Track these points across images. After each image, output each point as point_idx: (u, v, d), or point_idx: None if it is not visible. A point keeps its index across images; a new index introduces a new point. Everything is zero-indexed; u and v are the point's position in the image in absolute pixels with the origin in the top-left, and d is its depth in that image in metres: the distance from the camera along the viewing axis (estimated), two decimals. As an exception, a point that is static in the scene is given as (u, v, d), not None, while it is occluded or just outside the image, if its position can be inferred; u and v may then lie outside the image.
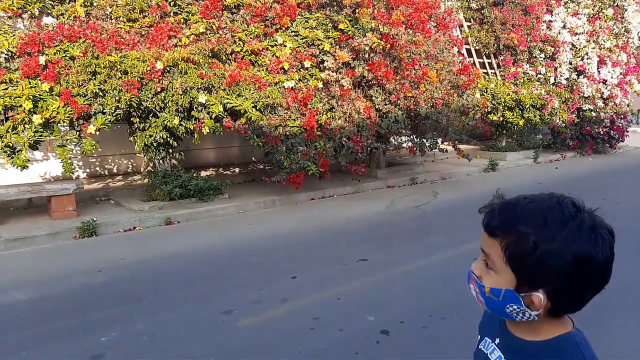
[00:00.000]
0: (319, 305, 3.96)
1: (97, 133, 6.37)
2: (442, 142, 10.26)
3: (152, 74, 6.50)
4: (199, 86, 6.68)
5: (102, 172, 9.67)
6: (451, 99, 9.57)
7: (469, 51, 13.42)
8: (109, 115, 6.40)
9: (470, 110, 10.29)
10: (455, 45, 11.06)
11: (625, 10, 14.79)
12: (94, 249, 5.88)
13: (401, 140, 10.07)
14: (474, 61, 13.37)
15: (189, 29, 7.38)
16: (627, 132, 15.70)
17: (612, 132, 14.95)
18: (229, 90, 6.87)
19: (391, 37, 8.34)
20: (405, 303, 3.99)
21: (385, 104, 8.64)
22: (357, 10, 8.28)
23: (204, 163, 10.28)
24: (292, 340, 3.39)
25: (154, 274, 4.87)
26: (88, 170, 9.47)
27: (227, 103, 6.80)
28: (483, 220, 1.04)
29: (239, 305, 3.95)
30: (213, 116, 6.74)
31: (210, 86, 6.80)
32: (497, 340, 1.12)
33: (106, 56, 6.42)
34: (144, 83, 6.51)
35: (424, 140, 9.70)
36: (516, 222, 0.96)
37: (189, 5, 7.59)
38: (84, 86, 6.31)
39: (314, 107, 7.88)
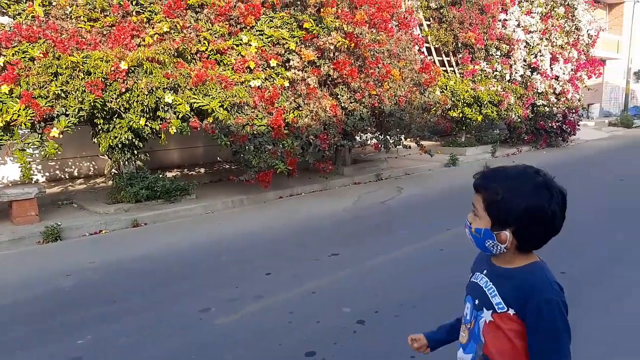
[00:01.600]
0: (294, 300, 4.04)
1: (61, 136, 6.23)
2: (406, 139, 10.51)
3: (116, 74, 6.41)
4: (165, 86, 6.63)
5: (63, 176, 9.42)
6: (414, 96, 9.82)
7: (429, 49, 13.76)
8: (72, 117, 6.28)
9: (431, 107, 10.58)
10: (417, 44, 11.34)
11: (576, 9, 15.49)
12: (60, 253, 5.76)
13: (366, 137, 10.25)
14: (433, 59, 13.72)
15: (153, 28, 7.30)
16: (579, 125, 16.47)
17: (564, 126, 15.64)
18: (196, 90, 6.85)
19: (355, 36, 8.49)
20: (378, 294, 4.13)
21: (351, 102, 8.79)
22: (321, 10, 8.38)
23: (168, 164, 10.18)
24: (271, 335, 3.46)
25: (126, 276, 4.83)
26: (47, 173, 9.21)
27: (194, 103, 6.79)
28: (473, 181, 1.43)
29: (215, 304, 3.99)
30: (180, 116, 6.71)
31: (176, 86, 6.77)
32: (485, 271, 1.48)
33: (68, 56, 6.29)
34: (108, 83, 6.42)
35: (388, 137, 9.92)
36: (492, 181, 1.37)
37: (152, 5, 7.50)
38: (46, 88, 6.17)
39: (281, 106, 7.94)
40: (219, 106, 6.95)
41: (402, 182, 9.93)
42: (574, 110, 15.83)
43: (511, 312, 1.35)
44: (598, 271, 4.66)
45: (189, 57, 7.42)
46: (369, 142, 10.11)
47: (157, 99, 6.59)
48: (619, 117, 25.80)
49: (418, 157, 11.94)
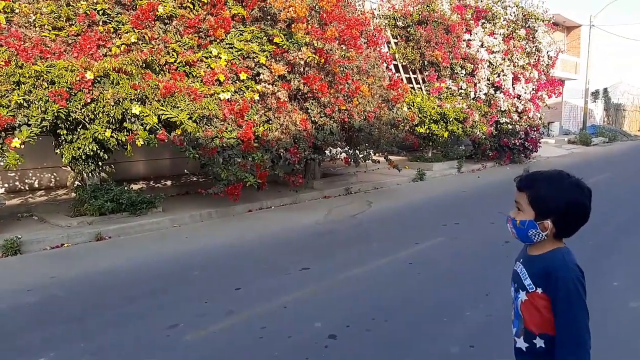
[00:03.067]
0: (265, 315, 3.98)
1: (22, 146, 6.02)
2: (375, 154, 10.63)
3: (81, 84, 6.26)
4: (132, 97, 6.51)
5: (22, 187, 9.09)
6: (382, 112, 9.97)
7: (396, 67, 14.03)
8: (35, 127, 6.08)
9: (400, 123, 10.75)
10: (385, 61, 11.54)
11: (536, 31, 16.13)
12: (20, 268, 5.53)
13: (336, 151, 10.32)
14: (401, 76, 14.00)
15: (120, 38, 7.18)
16: (540, 143, 17.05)
17: (526, 143, 16.14)
18: (164, 102, 6.76)
19: (325, 52, 8.57)
20: (349, 308, 4.11)
21: (321, 117, 8.85)
22: (291, 25, 8.43)
23: (134, 175, 9.96)
24: (242, 350, 3.40)
25: (90, 291, 4.66)
26: (6, 185, 8.87)
27: (162, 114, 6.68)
28: (516, 183, 1.75)
29: (184, 320, 3.89)
30: (147, 128, 6.58)
31: (144, 97, 6.65)
32: (521, 260, 1.79)
33: (31, 65, 6.12)
34: (73, 93, 6.25)
35: (358, 152, 10.01)
36: (535, 181, 1.70)
37: (119, 15, 7.39)
38: (7, 97, 5.96)
39: (250, 119, 7.91)
40: (188, 118, 6.87)
41: (372, 196, 10.01)
42: (535, 128, 16.36)
43: (539, 290, 1.66)
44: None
45: (157, 69, 7.32)
46: (338, 156, 10.17)
47: (124, 110, 6.46)
48: (577, 135, 26.83)
49: (387, 172, 12.08)
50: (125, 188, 7.41)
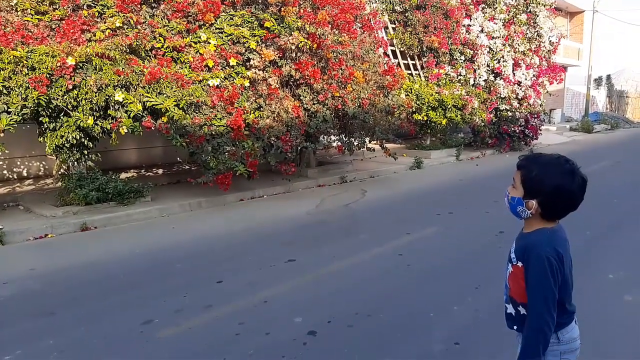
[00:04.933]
0: (245, 310, 3.84)
1: (2, 134, 5.85)
2: (370, 142, 10.43)
3: (62, 70, 6.06)
4: (116, 83, 6.31)
5: (10, 176, 8.94)
6: (377, 99, 9.74)
7: (394, 52, 13.75)
8: (15, 115, 5.90)
9: (395, 110, 10.53)
10: (381, 47, 11.28)
11: (537, 16, 15.78)
12: (1, 259, 5.38)
13: (330, 139, 10.12)
14: (398, 62, 13.73)
15: (104, 23, 6.97)
16: (540, 130, 16.79)
17: (526, 130, 15.90)
18: (149, 88, 6.56)
19: (317, 36, 8.34)
20: (332, 303, 3.96)
21: (314, 104, 8.64)
22: (282, 9, 8.20)
23: (124, 164, 9.79)
24: (216, 348, 3.25)
25: (68, 284, 4.52)
26: (-6, 174, 8.72)
27: (147, 101, 6.49)
28: (518, 161, 1.83)
29: (159, 315, 3.74)
30: (131, 115, 6.40)
31: (128, 83, 6.46)
32: (516, 238, 1.91)
33: (10, 51, 5.92)
34: (54, 80, 6.06)
35: (352, 140, 9.81)
36: (531, 162, 1.78)
37: (105, -2, 7.18)
38: (-15, 83, 5.78)
39: (241, 106, 7.72)
40: (174, 105, 6.67)
41: (367, 185, 9.84)
42: (536, 115, 16.11)
43: (519, 264, 1.80)
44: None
45: (143, 54, 7.12)
46: (333, 144, 9.97)
47: (107, 97, 6.27)
48: (579, 122, 26.53)
49: (383, 160, 11.88)
50: (112, 177, 7.23)
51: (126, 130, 6.35)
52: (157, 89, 6.62)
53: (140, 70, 6.63)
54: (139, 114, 6.44)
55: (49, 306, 3.99)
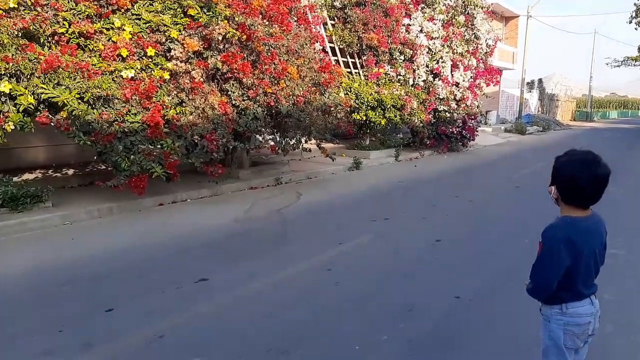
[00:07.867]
0: (132, 348, 3.15)
1: None
2: (306, 141, 9.88)
3: None
4: (3, 72, 5.39)
5: None
6: (313, 97, 9.21)
7: (333, 50, 13.28)
8: None
9: (333, 109, 10.04)
10: (317, 42, 10.75)
11: (475, 18, 15.82)
12: None
13: (264, 138, 9.48)
14: (338, 60, 13.28)
15: (-5, 2, 5.99)
16: (477, 131, 16.92)
17: (464, 131, 15.94)
18: (45, 78, 5.67)
19: (248, 27, 7.68)
20: (243, 336, 3.36)
21: (243, 100, 7.97)
22: (209, -5, 7.47)
23: (28, 164, 8.69)
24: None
25: None
26: None
27: (42, 93, 5.60)
28: None
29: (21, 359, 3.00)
30: (21, 109, 5.49)
31: (18, 72, 5.54)
32: None
33: None
34: None
35: (287, 139, 9.23)
36: (562, 155, 2.03)
37: (-4, -27, 6.18)
38: None
39: (159, 101, 6.93)
40: (78, 98, 5.82)
41: (303, 187, 9.31)
42: (473, 117, 16.19)
43: (540, 241, 2.02)
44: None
45: (43, 40, 6.19)
46: (265, 144, 9.33)
47: (-9, 87, 5.34)
48: (513, 124, 27.31)
49: (322, 160, 11.37)
50: (4, 179, 6.27)
51: (12, 127, 5.42)
52: (54, 79, 5.74)
53: (35, 58, 5.73)
54: (32, 107, 5.54)
55: None
